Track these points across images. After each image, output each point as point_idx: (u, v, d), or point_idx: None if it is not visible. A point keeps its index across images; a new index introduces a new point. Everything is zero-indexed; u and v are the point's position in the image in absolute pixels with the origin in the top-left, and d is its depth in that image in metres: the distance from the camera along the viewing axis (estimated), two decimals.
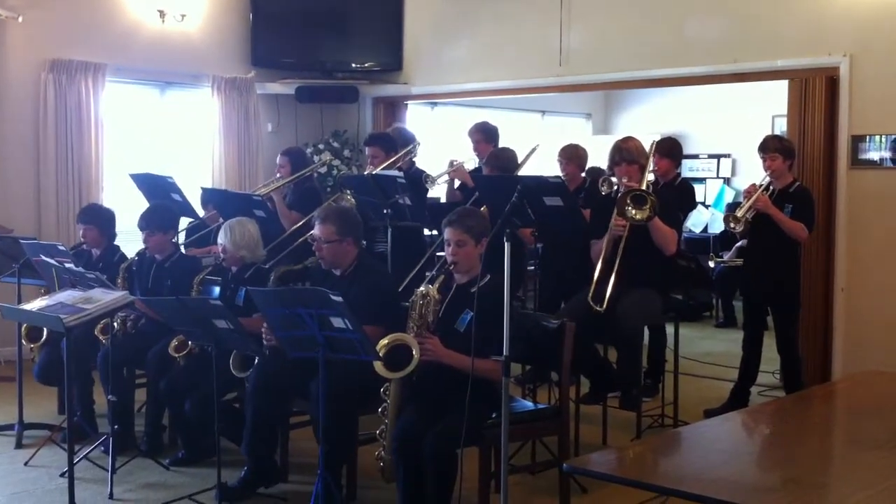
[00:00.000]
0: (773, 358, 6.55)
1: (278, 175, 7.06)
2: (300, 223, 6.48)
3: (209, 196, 7.10)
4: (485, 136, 7.26)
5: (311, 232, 5.11)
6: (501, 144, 7.05)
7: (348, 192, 6.66)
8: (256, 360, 4.86)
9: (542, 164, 7.46)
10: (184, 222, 6.93)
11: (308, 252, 5.43)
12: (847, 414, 4.19)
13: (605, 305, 5.29)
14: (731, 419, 4.29)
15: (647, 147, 5.85)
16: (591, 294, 5.36)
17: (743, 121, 11.14)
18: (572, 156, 6.95)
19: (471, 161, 7.13)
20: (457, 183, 6.84)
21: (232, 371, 4.94)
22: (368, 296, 4.71)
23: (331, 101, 9.64)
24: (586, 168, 7.15)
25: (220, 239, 5.49)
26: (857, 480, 3.09)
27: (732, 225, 6.15)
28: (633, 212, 5.32)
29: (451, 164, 6.85)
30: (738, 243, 9.57)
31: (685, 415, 6.00)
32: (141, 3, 8.48)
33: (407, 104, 9.68)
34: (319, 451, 4.30)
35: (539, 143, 6.99)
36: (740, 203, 6.43)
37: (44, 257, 5.63)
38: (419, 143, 7.22)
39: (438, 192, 7.38)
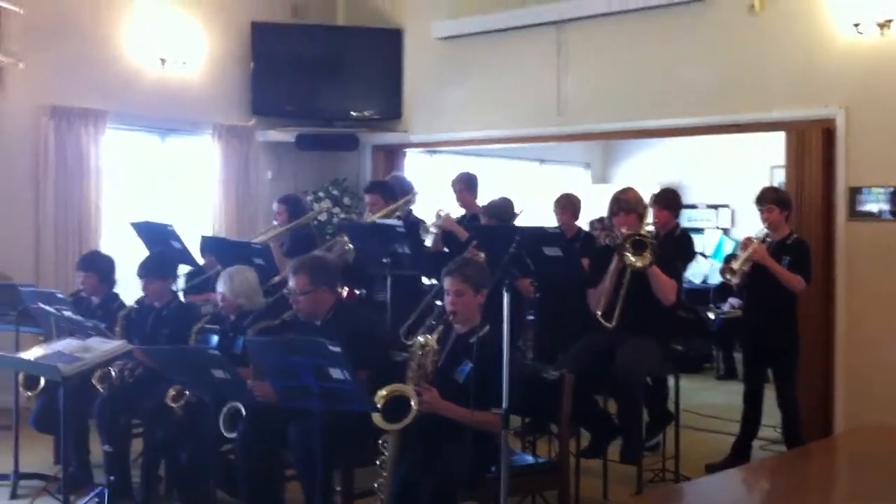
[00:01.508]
0: (774, 411, 6.49)
1: (275, 223, 7.07)
2: None
3: (208, 244, 7.10)
4: (467, 185, 7.34)
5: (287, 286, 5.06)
6: (501, 193, 7.09)
7: (346, 237, 6.67)
8: (244, 416, 4.79)
9: (542, 212, 7.47)
10: (185, 269, 6.92)
11: (285, 306, 5.38)
12: (848, 468, 4.17)
13: (614, 322, 5.33)
14: (731, 475, 4.27)
15: (646, 199, 5.87)
16: (601, 312, 5.36)
17: (741, 171, 11.17)
18: (566, 205, 7.01)
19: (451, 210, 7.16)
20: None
21: (222, 430, 4.85)
22: (350, 342, 4.65)
23: (331, 148, 9.68)
24: (595, 219, 7.11)
25: (219, 287, 5.48)
26: None
27: (728, 276, 6.13)
28: (633, 259, 5.32)
29: (438, 215, 6.88)
30: (730, 299, 9.59)
31: (687, 469, 5.94)
32: (142, 49, 8.53)
33: (406, 152, 9.72)
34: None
35: (524, 209, 6.91)
36: (736, 254, 6.43)
37: (42, 305, 5.62)
38: (417, 192, 7.25)
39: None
